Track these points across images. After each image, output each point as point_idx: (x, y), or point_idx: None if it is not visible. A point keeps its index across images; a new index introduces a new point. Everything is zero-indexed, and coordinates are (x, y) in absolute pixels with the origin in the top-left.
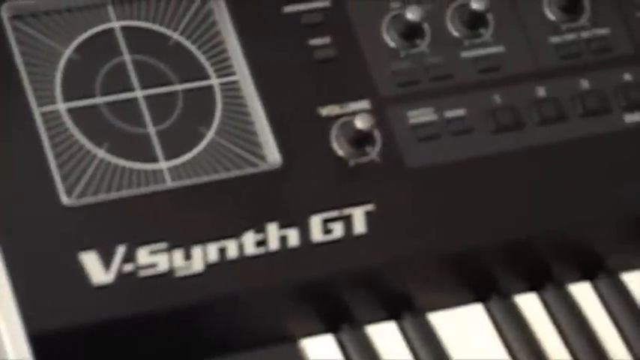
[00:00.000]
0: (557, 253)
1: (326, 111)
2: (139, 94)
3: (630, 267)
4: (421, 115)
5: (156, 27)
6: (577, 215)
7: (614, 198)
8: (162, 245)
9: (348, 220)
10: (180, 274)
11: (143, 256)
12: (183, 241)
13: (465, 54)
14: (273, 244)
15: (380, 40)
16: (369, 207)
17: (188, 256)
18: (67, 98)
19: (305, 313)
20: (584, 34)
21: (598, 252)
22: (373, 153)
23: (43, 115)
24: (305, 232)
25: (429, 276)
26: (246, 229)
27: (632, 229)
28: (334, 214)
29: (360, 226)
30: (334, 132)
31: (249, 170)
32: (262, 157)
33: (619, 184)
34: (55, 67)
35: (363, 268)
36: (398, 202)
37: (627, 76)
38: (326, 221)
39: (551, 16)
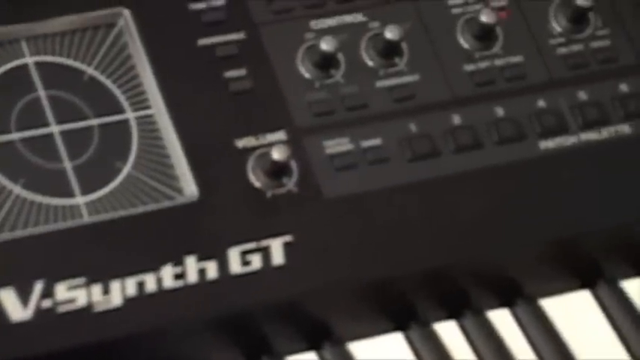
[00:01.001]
0: (474, 280)
1: (242, 143)
2: (54, 129)
3: (548, 293)
4: (337, 145)
5: (70, 62)
6: (493, 242)
7: (530, 224)
8: (81, 280)
9: (266, 252)
10: (99, 308)
11: (61, 291)
12: (101, 275)
13: (380, 83)
14: (192, 277)
15: (295, 71)
16: (287, 238)
17: (106, 291)
18: None
19: (225, 346)
20: (498, 62)
21: (515, 278)
22: (290, 184)
23: None
24: (223, 265)
25: (348, 306)
26: (164, 262)
27: (548, 256)
28: (252, 245)
29: (278, 258)
30: (251, 164)
31: (167, 204)
32: (179, 190)
33: (534, 211)
34: None
35: (281, 300)
36: (316, 233)
37: (541, 103)
38: (244, 253)
39: (465, 45)
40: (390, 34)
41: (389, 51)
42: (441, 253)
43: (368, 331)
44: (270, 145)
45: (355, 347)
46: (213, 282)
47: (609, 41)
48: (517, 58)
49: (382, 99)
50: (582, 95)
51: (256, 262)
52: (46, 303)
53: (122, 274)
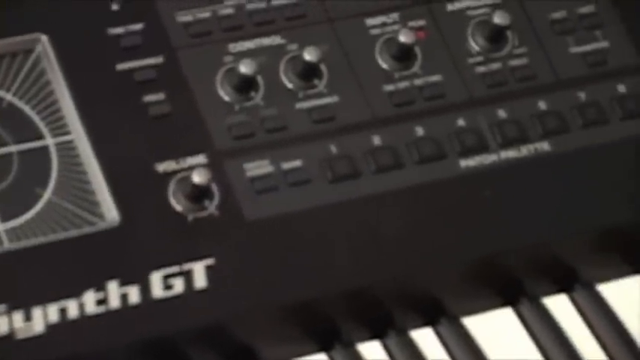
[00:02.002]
0: (397, 300)
1: (163, 167)
2: None
3: (471, 311)
4: (258, 168)
5: None
6: (416, 261)
7: (452, 243)
8: (2, 307)
9: (188, 276)
10: (20, 335)
11: None
12: (22, 302)
13: (299, 105)
14: (114, 302)
15: (214, 94)
16: (210, 261)
17: (28, 318)
18: None
19: None
20: (417, 82)
21: (438, 297)
22: (212, 207)
23: None
24: (146, 289)
25: (272, 327)
26: (86, 288)
27: (470, 274)
28: (174, 269)
29: (200, 281)
30: (172, 187)
31: (88, 229)
32: (100, 216)
33: (456, 230)
34: None
35: (205, 323)
36: (238, 256)
37: (461, 122)
38: (166, 277)
39: (384, 65)
40: (309, 55)
41: (308, 73)
42: (364, 273)
43: (292, 353)
44: (191, 168)
45: None
46: (136, 307)
47: (527, 59)
48: (436, 78)
49: (302, 121)
50: (501, 113)
51: (178, 286)
52: None
53: (44, 300)
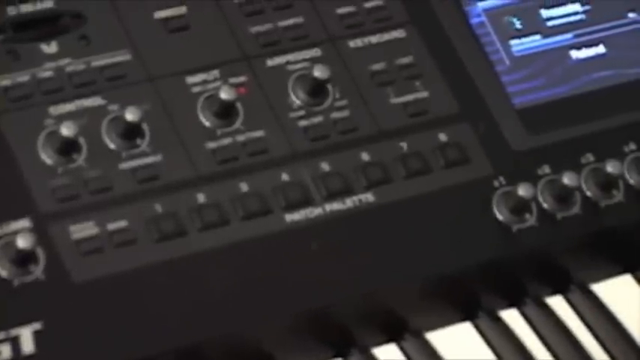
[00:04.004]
0: (228, 356)
1: None
2: None
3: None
4: (83, 230)
5: None
6: (244, 317)
7: (280, 297)
8: None
9: (15, 341)
10: None
11: None
12: None
13: (123, 165)
14: None
15: (37, 157)
16: (37, 326)
17: None
18: None
19: None
20: (240, 138)
21: (269, 352)
22: (37, 271)
23: None
24: None
25: None
26: None
27: (299, 327)
28: (1, 335)
29: (28, 346)
30: None
31: None
32: None
33: (283, 284)
34: None
35: None
36: (67, 319)
37: (285, 176)
38: None
39: (207, 123)
40: (130, 115)
41: (130, 133)
42: (194, 330)
43: None
44: (15, 233)
45: None
46: None
47: (348, 112)
48: (258, 133)
49: (126, 181)
50: (325, 166)
51: (6, 352)
52: None
53: None
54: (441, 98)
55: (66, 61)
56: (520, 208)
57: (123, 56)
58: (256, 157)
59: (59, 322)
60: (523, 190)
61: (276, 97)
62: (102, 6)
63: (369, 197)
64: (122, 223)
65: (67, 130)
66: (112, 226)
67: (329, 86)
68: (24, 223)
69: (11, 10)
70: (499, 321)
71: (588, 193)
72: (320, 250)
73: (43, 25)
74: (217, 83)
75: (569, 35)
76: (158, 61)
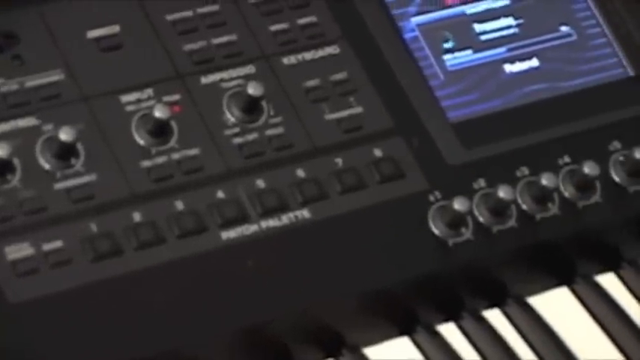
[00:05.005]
0: None
1: None
2: None
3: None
4: (18, 251)
5: None
6: (182, 334)
7: (216, 314)
8: None
9: None
10: None
11: None
12: None
13: (58, 185)
14: None
15: None
16: None
17: None
18: None
19: None
20: (175, 156)
21: None
22: None
23: None
24: None
25: None
26: None
27: (236, 344)
28: None
29: None
30: None
31: None
32: None
33: (220, 301)
34: None
35: None
36: (3, 340)
37: (220, 194)
38: None
39: (141, 141)
40: (64, 135)
41: (64, 152)
42: (132, 348)
43: None
44: None
45: None
46: None
47: (283, 128)
48: (193, 151)
49: (61, 201)
50: (260, 183)
51: None
52: None
53: None
54: (375, 113)
55: None
56: (456, 222)
57: (56, 76)
58: (191, 175)
59: None
60: (458, 204)
61: (211, 114)
62: (35, 26)
63: (304, 213)
64: (57, 244)
65: (1, 151)
66: (47, 247)
67: (263, 103)
68: None
69: None
70: (437, 335)
71: (524, 207)
72: (256, 267)
73: None
74: (151, 102)
75: (502, 49)
76: (92, 81)
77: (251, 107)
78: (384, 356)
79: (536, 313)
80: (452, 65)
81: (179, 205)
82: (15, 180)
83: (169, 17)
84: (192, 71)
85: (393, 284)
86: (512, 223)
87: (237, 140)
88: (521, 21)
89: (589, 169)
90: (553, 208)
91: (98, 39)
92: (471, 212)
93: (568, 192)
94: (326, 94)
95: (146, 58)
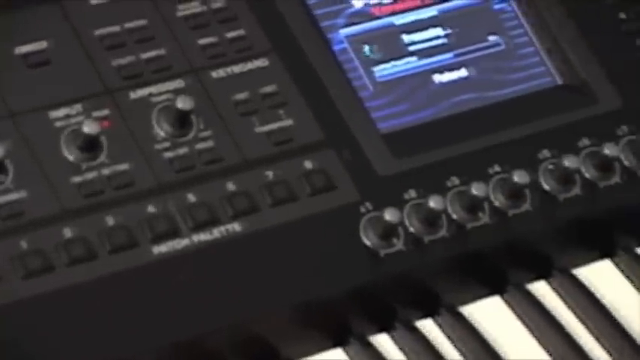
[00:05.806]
0: None
1: None
2: None
3: None
4: None
5: None
6: (115, 349)
7: (147, 329)
8: None
9: None
10: None
11: None
12: None
13: None
14: None
15: None
16: None
17: None
18: None
19: None
20: (105, 172)
21: None
22: None
23: None
24: None
25: None
26: None
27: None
28: None
29: None
30: None
31: None
32: None
33: (151, 316)
34: None
35: None
36: None
37: (151, 209)
38: None
39: (71, 157)
40: None
41: None
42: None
43: None
44: None
45: None
46: None
47: (213, 142)
48: (124, 166)
49: None
50: (191, 197)
51: None
52: None
53: None
54: (305, 126)
55: None
56: (387, 233)
57: None
58: (122, 190)
59: None
60: (389, 215)
61: (141, 129)
62: None
63: (235, 227)
64: None
65: None
66: None
67: (193, 117)
68: None
69: None
70: (369, 346)
71: (454, 216)
72: (188, 281)
73: None
74: (80, 117)
75: (431, 59)
76: (20, 97)
77: (181, 121)
78: None
79: (468, 322)
80: (381, 76)
81: (110, 220)
82: None
83: (97, 32)
84: (121, 86)
85: (325, 296)
86: (443, 232)
87: (168, 155)
88: (449, 31)
89: (519, 177)
90: (484, 218)
91: (26, 55)
92: (402, 223)
93: (498, 201)
94: (255, 107)
95: (75, 74)
